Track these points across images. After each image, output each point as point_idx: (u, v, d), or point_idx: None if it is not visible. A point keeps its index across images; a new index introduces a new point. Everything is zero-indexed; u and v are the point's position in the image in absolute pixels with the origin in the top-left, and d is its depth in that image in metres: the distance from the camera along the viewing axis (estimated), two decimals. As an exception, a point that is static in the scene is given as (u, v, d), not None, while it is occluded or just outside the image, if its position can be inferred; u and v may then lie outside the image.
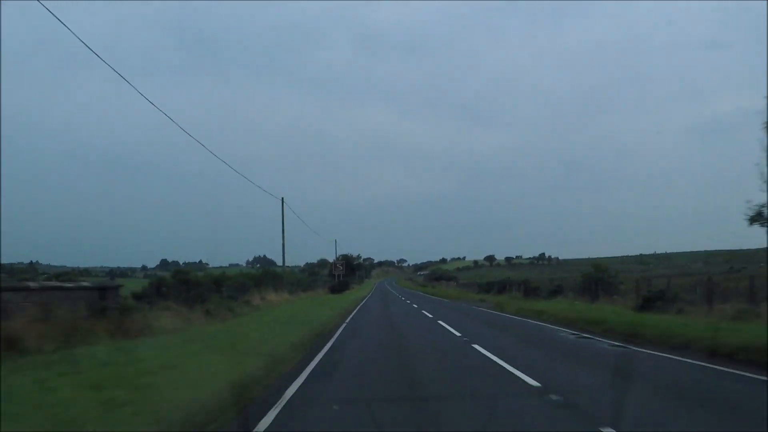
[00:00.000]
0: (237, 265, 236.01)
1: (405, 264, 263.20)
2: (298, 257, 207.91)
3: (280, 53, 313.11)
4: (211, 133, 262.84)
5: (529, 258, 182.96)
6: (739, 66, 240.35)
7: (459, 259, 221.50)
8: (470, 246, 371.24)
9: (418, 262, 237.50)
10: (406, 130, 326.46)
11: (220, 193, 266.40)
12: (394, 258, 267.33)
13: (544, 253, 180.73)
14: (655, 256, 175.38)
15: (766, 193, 12.25)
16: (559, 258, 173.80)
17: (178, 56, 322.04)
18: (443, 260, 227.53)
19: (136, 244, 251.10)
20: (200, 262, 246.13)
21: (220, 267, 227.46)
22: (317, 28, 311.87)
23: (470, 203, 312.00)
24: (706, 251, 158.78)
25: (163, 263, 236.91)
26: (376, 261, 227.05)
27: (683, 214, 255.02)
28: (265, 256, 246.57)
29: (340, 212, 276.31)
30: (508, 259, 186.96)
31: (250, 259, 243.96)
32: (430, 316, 27.62)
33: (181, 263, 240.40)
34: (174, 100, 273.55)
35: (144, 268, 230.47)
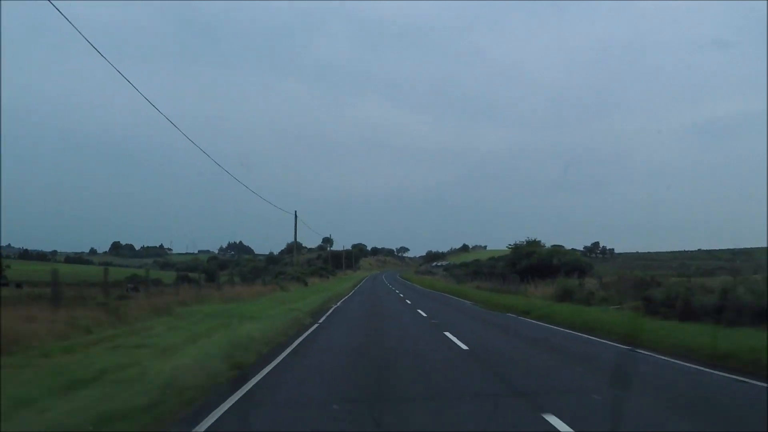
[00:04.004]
0: (208, 251, 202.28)
1: (407, 254, 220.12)
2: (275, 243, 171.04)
3: (278, 43, 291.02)
4: (206, 121, 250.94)
5: (572, 248, 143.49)
6: (746, 66, 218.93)
7: (481, 247, 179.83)
8: (482, 235, 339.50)
9: (430, 251, 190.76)
10: (410, 118, 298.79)
11: (192, 176, 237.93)
12: (393, 246, 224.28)
13: (598, 243, 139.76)
14: (731, 252, 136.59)
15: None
16: (615, 250, 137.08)
17: (174, 46, 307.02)
18: (465, 247, 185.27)
19: (86, 226, 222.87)
20: (161, 246, 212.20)
21: (188, 254, 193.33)
22: (316, 19, 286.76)
23: (472, 194, 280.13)
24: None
25: (115, 247, 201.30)
26: (369, 248, 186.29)
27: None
28: (241, 242, 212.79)
29: (338, 202, 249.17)
30: (555, 247, 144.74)
31: (224, 246, 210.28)
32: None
33: (137, 248, 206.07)
34: (168, 86, 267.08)
35: (92, 252, 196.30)
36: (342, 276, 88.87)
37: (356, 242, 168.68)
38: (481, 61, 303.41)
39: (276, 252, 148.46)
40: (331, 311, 23.09)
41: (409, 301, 31.73)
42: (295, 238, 37.63)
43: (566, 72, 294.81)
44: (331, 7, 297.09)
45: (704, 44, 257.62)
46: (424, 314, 22.09)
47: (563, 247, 56.10)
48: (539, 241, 56.10)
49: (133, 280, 29.80)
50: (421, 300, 34.35)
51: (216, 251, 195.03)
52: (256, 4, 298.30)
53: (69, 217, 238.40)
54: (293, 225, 53.31)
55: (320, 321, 18.44)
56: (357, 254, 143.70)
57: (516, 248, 55.04)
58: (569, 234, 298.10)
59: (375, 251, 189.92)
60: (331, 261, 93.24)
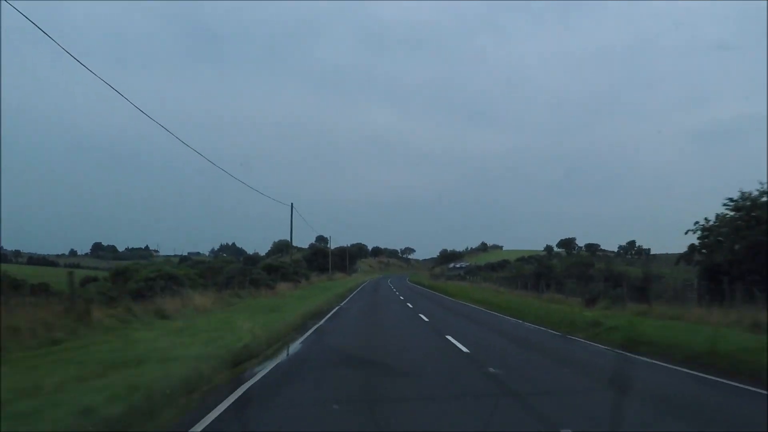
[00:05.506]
0: (197, 253, 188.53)
1: (413, 255, 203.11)
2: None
3: (281, 47, 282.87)
4: (208, 122, 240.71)
5: (604, 249, 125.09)
6: (750, 68, 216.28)
7: (498, 247, 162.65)
8: (491, 235, 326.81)
9: (445, 251, 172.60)
10: (413, 120, 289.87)
11: (191, 177, 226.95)
12: (398, 247, 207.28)
13: (634, 242, 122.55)
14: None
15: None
16: (651, 251, 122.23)
17: (178, 48, 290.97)
18: (483, 246, 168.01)
19: (63, 226, 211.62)
20: (146, 248, 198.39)
21: (176, 255, 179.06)
22: (320, 23, 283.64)
23: (480, 194, 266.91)
24: None
25: (96, 248, 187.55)
26: (371, 248, 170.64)
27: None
28: (234, 244, 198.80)
29: (340, 203, 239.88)
30: (589, 246, 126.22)
31: (216, 248, 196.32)
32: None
33: (120, 249, 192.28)
34: (171, 88, 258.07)
35: (73, 253, 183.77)
36: (323, 282, 58.98)
37: (358, 243, 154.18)
38: (485, 65, 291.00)
39: (263, 252, 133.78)
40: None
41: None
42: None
43: (569, 76, 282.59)
44: (334, 11, 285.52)
45: (709, 48, 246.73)
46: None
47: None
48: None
49: None
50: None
51: (207, 253, 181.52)
52: (258, 8, 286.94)
53: (58, 217, 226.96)
54: (288, 225, 38.14)
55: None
56: (355, 254, 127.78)
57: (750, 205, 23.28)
58: (597, 234, 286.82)
59: (376, 252, 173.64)
60: (318, 262, 75.97)
